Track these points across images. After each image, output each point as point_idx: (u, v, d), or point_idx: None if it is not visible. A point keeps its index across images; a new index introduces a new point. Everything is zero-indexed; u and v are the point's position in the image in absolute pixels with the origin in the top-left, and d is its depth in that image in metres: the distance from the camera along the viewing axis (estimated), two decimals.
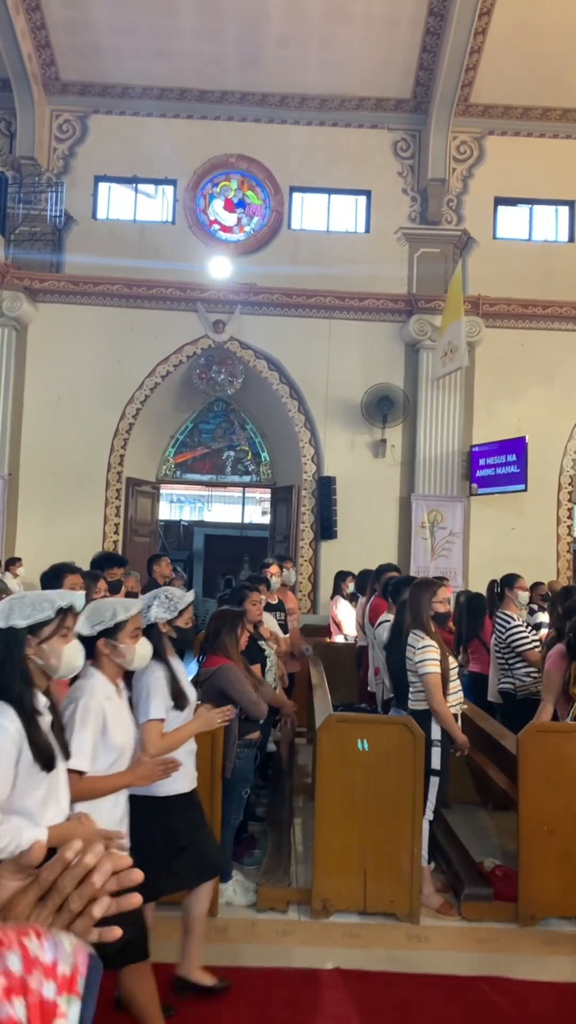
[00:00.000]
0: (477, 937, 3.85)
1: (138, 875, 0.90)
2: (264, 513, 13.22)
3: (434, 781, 4.10)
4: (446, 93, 10.74)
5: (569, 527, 11.03)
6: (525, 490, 10.12)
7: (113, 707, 2.70)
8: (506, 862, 4.23)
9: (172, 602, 3.34)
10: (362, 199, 11.52)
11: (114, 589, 5.37)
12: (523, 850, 3.98)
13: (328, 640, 8.36)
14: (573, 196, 11.50)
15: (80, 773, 2.48)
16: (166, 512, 14.79)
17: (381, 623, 5.39)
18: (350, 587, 8.58)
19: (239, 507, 15.03)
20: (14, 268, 10.48)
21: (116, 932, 0.86)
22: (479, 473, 10.56)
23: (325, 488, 10.71)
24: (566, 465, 10.96)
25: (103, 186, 11.46)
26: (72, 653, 2.32)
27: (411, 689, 4.22)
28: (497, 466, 10.34)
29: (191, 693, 3.30)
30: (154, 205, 11.52)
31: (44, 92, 11.14)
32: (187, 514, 16.75)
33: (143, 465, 11.34)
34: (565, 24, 10.06)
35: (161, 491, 12.24)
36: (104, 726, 2.62)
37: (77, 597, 2.39)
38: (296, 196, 11.57)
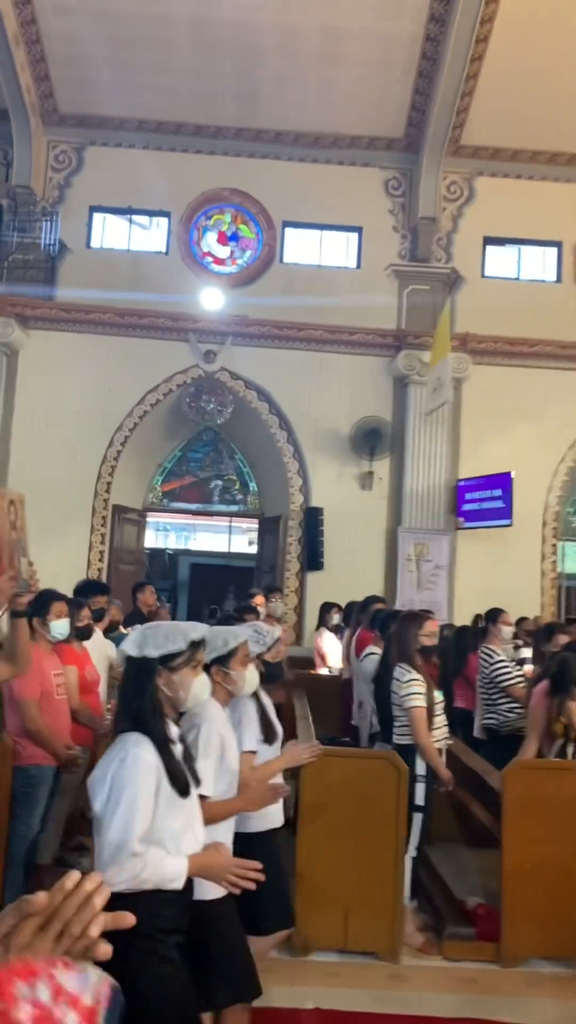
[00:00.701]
0: (459, 977, 3.81)
1: (130, 918, 0.93)
2: (251, 543, 13.21)
3: (417, 817, 4.07)
4: (437, 134, 10.95)
5: (554, 563, 11.09)
6: (510, 525, 10.18)
7: (228, 733, 2.74)
8: (489, 901, 4.19)
9: (262, 636, 3.36)
10: (353, 235, 11.68)
11: (97, 617, 5.35)
12: (506, 889, 3.94)
13: (312, 672, 8.32)
14: (561, 237, 11.69)
15: (204, 799, 2.48)
16: (152, 540, 14.72)
17: (367, 655, 5.39)
18: (335, 619, 8.57)
19: (226, 536, 15.00)
20: (7, 295, 10.53)
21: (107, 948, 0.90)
22: (465, 507, 10.62)
23: (312, 519, 10.73)
24: (551, 501, 11.04)
25: (98, 216, 11.56)
26: (200, 686, 2.34)
27: (396, 723, 4.20)
28: (483, 500, 10.40)
29: (279, 727, 3.29)
30: (148, 236, 11.63)
31: (42, 123, 11.27)
32: (173, 543, 16.68)
33: (130, 493, 11.33)
34: (555, 70, 10.30)
35: (147, 519, 12.21)
36: (222, 752, 2.64)
37: (208, 631, 2.46)
38: (289, 231, 11.71)
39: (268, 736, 3.14)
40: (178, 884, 2.17)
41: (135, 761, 2.14)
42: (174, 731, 2.31)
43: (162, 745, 2.21)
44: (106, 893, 0.91)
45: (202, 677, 2.37)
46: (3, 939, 0.90)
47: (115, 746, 2.22)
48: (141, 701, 2.24)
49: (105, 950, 0.90)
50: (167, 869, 2.12)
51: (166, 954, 2.17)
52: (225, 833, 2.67)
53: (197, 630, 2.36)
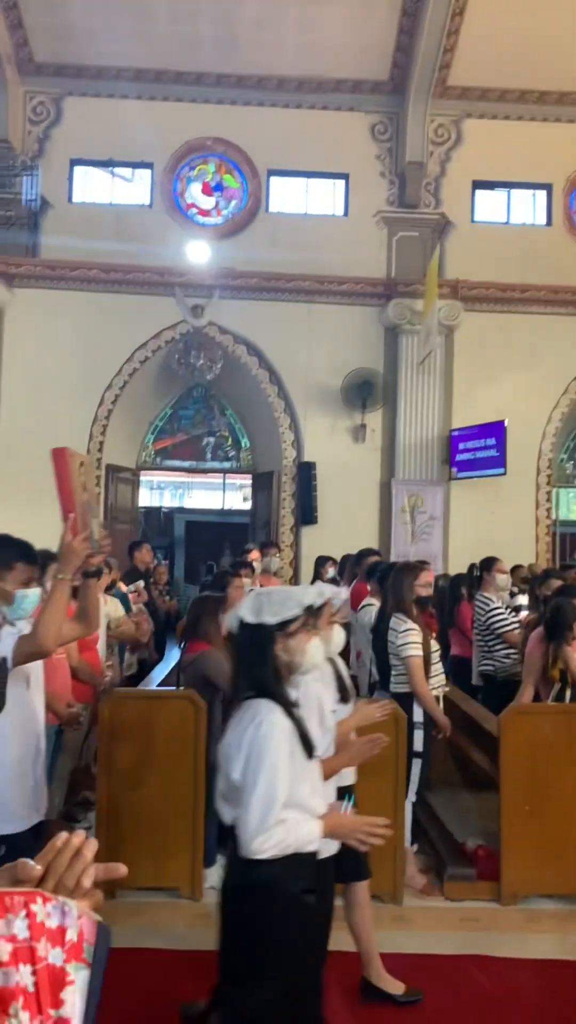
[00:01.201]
0: (460, 916, 3.90)
1: (122, 868, 0.96)
2: (245, 499, 13.19)
3: (416, 763, 4.13)
4: (423, 75, 10.67)
5: (548, 510, 11.11)
6: (504, 474, 10.17)
7: (323, 692, 2.76)
8: (488, 842, 4.27)
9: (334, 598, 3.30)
10: (340, 182, 11.46)
11: (94, 575, 5.34)
12: (504, 830, 4.02)
13: None
14: (551, 179, 11.48)
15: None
16: (146, 499, 14.70)
17: (364, 607, 5.41)
18: (330, 572, 8.60)
19: (220, 493, 14.98)
20: None
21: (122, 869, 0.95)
22: (459, 457, 10.60)
23: (305, 474, 10.71)
24: (545, 449, 11.02)
25: (79, 169, 11.30)
26: (315, 649, 2.34)
27: (393, 672, 4.24)
28: (476, 450, 10.38)
29: (352, 687, 3.31)
30: (131, 188, 11.38)
31: (18, 73, 10.95)
32: (167, 501, 16.66)
33: (122, 452, 11.27)
34: (543, 7, 10.01)
35: (141, 478, 12.17)
36: (320, 711, 2.66)
37: (320, 595, 2.49)
38: (274, 179, 11.48)
39: (344, 696, 3.15)
40: (315, 846, 2.21)
41: (271, 727, 2.15)
42: (294, 694, 2.33)
43: (289, 710, 2.23)
44: (94, 845, 0.93)
45: (316, 641, 2.37)
46: None
47: (245, 713, 2.23)
48: (264, 668, 2.25)
49: (97, 900, 0.91)
50: (304, 832, 2.16)
51: (305, 916, 2.22)
52: (331, 791, 2.71)
53: (309, 596, 2.37)
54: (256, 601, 2.33)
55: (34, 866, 0.91)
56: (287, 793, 2.14)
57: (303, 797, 2.21)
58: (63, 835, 0.94)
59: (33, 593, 2.80)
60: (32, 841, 2.73)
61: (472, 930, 3.77)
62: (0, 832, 2.64)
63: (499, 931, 3.76)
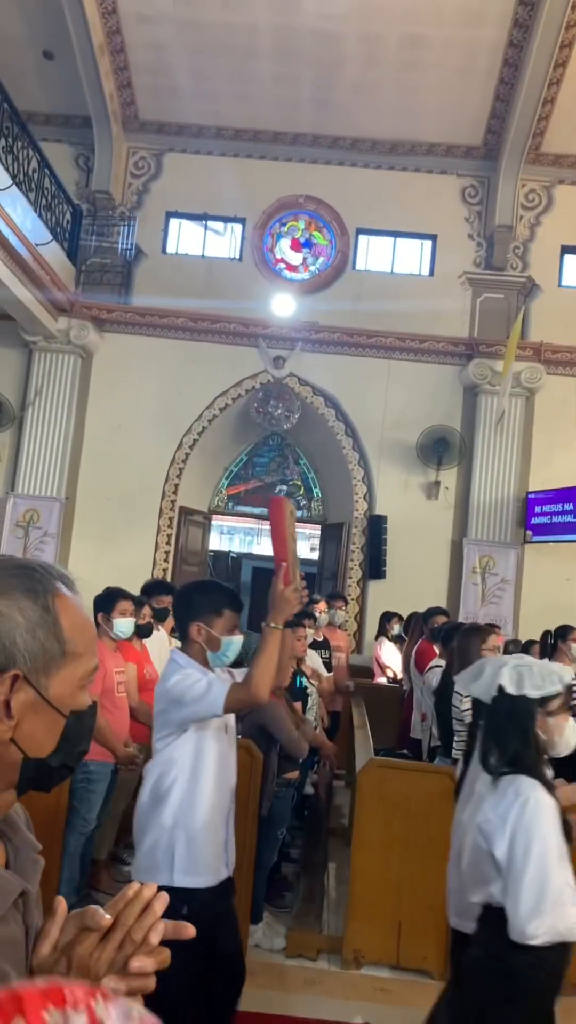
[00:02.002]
0: None
1: (190, 929, 0.93)
2: (313, 549, 13.19)
3: None
4: (517, 141, 10.79)
5: None
6: None
7: None
8: None
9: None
10: (427, 243, 11.59)
11: (161, 616, 5.40)
12: None
13: (371, 681, 8.26)
14: None
15: None
16: (216, 543, 14.85)
17: (432, 668, 5.31)
18: (395, 628, 8.49)
19: None
20: (83, 298, 10.76)
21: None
22: (534, 520, 10.40)
23: (376, 527, 10.65)
24: None
25: (174, 222, 11.73)
26: (571, 731, 2.31)
27: (456, 737, 4.12)
28: (553, 514, 10.17)
29: None
30: (222, 242, 11.74)
31: (123, 130, 11.49)
32: (236, 546, 16.80)
33: (196, 495, 11.44)
34: None
35: (212, 522, 12.30)
36: None
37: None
38: (362, 238, 11.68)
39: None
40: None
41: (539, 806, 2.10)
42: (548, 774, 2.27)
43: (549, 789, 2.17)
44: (165, 899, 0.91)
45: (571, 722, 2.31)
46: (65, 948, 0.90)
47: (505, 789, 2.17)
48: (524, 744, 2.20)
49: (164, 957, 0.89)
50: (572, 919, 2.08)
51: (550, 1005, 2.18)
52: None
53: (568, 673, 2.32)
54: (516, 672, 2.26)
55: (104, 915, 0.89)
56: (559, 875, 2.07)
57: (567, 879, 2.13)
58: (135, 885, 0.92)
59: (238, 640, 2.80)
60: (218, 897, 2.69)
61: None
62: (188, 885, 2.58)
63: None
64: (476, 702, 2.51)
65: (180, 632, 2.82)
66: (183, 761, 2.64)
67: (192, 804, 2.63)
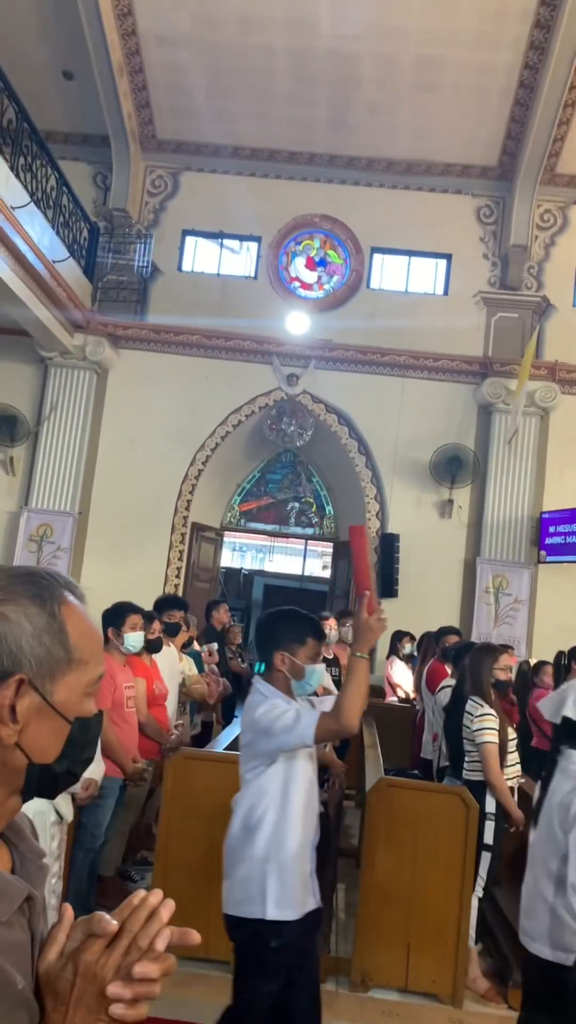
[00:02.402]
0: None
1: (196, 935, 0.91)
2: (325, 567, 13.16)
3: (486, 856, 3.93)
4: (532, 162, 10.83)
5: None
6: None
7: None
8: None
9: None
10: (442, 262, 11.62)
11: (172, 631, 5.39)
12: None
13: (382, 701, 8.20)
14: None
15: None
16: (228, 559, 14.85)
17: (443, 688, 5.27)
18: (407, 648, 8.44)
19: (300, 559, 15.01)
20: (99, 316, 10.85)
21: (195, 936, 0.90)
22: (548, 540, 10.34)
23: (388, 545, 10.62)
24: None
25: (190, 240, 11.82)
26: None
27: (467, 758, 4.08)
28: (568, 534, 10.10)
29: None
30: (238, 260, 11.81)
31: (140, 149, 11.61)
32: (248, 563, 16.79)
33: (209, 511, 11.45)
34: None
35: (224, 538, 12.31)
36: None
37: None
38: (377, 257, 11.73)
39: None
40: None
41: None
42: None
43: None
44: (171, 906, 0.91)
45: None
46: (71, 955, 0.90)
47: None
48: None
49: (170, 964, 0.88)
50: None
51: None
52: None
53: None
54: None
55: (110, 921, 0.89)
56: None
57: None
58: (140, 892, 0.92)
59: (320, 668, 2.82)
60: (306, 929, 2.69)
61: None
62: (279, 918, 2.58)
63: None
64: (555, 727, 2.55)
65: (263, 661, 2.83)
66: (273, 792, 2.65)
67: (283, 835, 2.63)
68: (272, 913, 2.56)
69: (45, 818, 2.86)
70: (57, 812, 2.92)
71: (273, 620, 2.89)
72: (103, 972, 0.86)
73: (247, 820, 2.66)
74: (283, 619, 2.88)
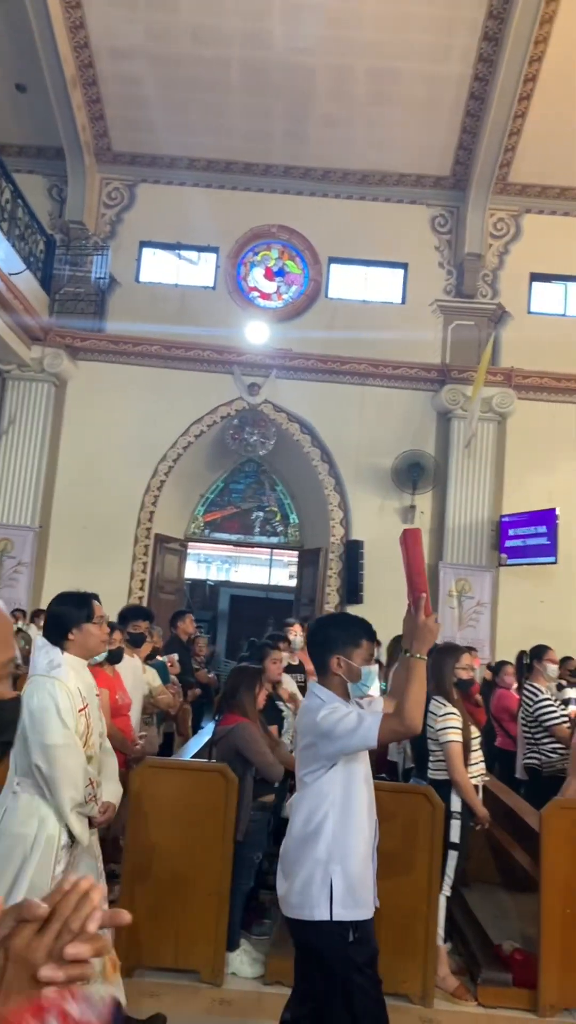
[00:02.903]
0: None
1: (127, 916, 0.92)
2: (291, 576, 13.18)
3: (452, 855, 3.95)
4: (485, 172, 11.02)
5: None
6: (555, 562, 10.01)
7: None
8: (526, 946, 4.04)
9: None
10: (399, 271, 11.75)
11: (136, 642, 5.35)
12: (544, 934, 3.80)
13: None
14: None
15: None
16: (193, 571, 14.79)
17: None
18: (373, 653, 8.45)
19: (266, 569, 15.00)
20: (57, 327, 10.78)
21: (125, 916, 0.91)
22: (508, 543, 10.47)
23: (353, 552, 10.68)
24: None
25: (147, 251, 11.82)
26: None
27: (431, 758, 4.11)
28: (527, 537, 10.25)
29: None
30: (196, 271, 11.84)
31: (96, 161, 11.60)
32: (213, 574, 16.74)
33: (172, 522, 11.41)
34: None
35: (189, 550, 12.27)
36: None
37: None
38: (335, 267, 11.83)
39: None
40: None
41: None
42: None
43: None
44: (102, 890, 0.92)
45: None
46: (2, 941, 0.89)
47: None
48: None
49: (101, 945, 0.89)
50: None
51: None
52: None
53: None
54: None
55: (40, 905, 0.90)
56: None
57: None
58: (71, 877, 0.93)
59: (375, 669, 2.83)
60: (372, 929, 2.70)
61: None
62: (347, 919, 2.58)
63: None
64: None
65: (318, 666, 2.83)
66: (334, 794, 2.65)
67: (345, 837, 2.64)
68: (339, 914, 2.58)
69: (54, 842, 2.83)
70: (70, 835, 2.89)
71: (326, 625, 2.93)
72: (34, 956, 0.86)
73: (307, 823, 2.67)
74: (335, 624, 2.93)
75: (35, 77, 10.46)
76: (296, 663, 6.72)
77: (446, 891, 3.95)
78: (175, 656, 6.90)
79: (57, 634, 3.12)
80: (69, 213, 11.45)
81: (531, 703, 5.63)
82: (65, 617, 3.15)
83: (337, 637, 2.80)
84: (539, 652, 5.94)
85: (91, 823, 3.02)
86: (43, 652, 3.08)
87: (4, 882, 2.73)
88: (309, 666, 7.11)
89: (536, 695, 5.63)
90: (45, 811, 2.84)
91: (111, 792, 3.18)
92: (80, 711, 2.98)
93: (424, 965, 3.78)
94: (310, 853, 2.63)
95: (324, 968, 2.64)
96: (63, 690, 2.94)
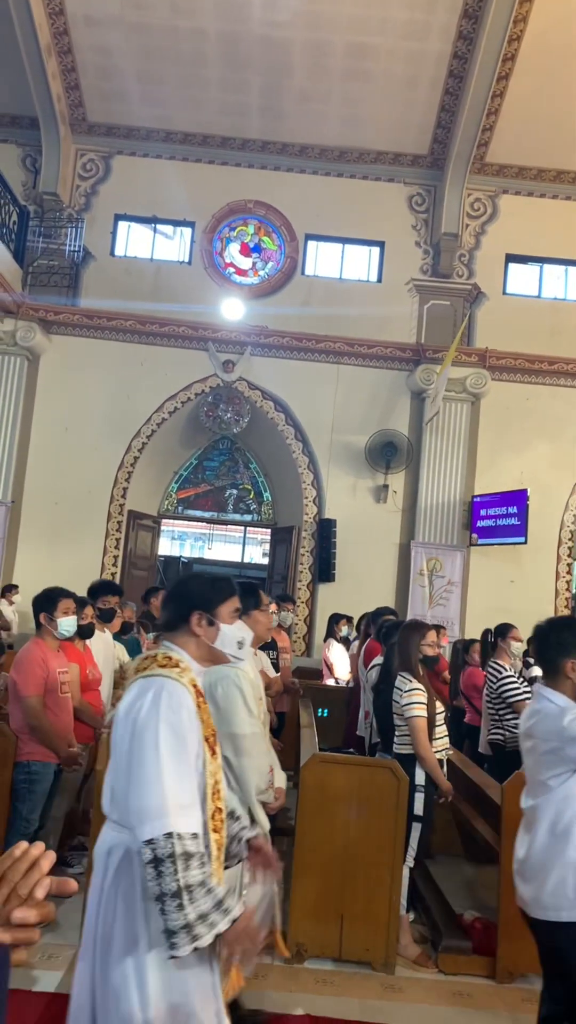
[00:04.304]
0: (453, 991, 3.77)
1: (74, 884, 0.96)
2: (264, 554, 13.22)
3: (416, 827, 4.04)
4: (462, 151, 11.00)
5: (568, 582, 11.01)
6: (525, 543, 10.12)
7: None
8: (487, 916, 4.15)
9: None
10: (376, 249, 11.73)
11: (106, 617, 5.37)
12: (504, 903, 3.90)
13: (320, 683, 8.30)
14: None
15: None
16: (166, 548, 14.79)
17: (374, 666, 5.37)
18: (343, 630, 8.55)
19: (239, 546, 15.04)
20: (30, 300, 10.66)
21: (72, 884, 0.94)
22: (479, 523, 10.58)
23: (325, 530, 10.73)
24: (567, 520, 10.97)
25: (122, 224, 11.69)
26: None
27: (396, 732, 4.18)
28: (498, 517, 10.36)
29: None
30: (171, 245, 11.74)
31: (71, 132, 11.43)
32: (187, 551, 16.75)
33: (146, 499, 11.39)
34: None
35: (162, 526, 12.26)
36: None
37: None
38: (311, 244, 11.78)
39: None
40: None
41: None
42: None
43: None
44: (52, 857, 0.95)
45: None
46: None
47: None
48: None
49: (47, 912, 0.92)
50: None
51: None
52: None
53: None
54: None
55: None
56: None
57: None
58: (23, 844, 0.96)
59: None
60: None
61: (464, 1006, 3.64)
62: (569, 919, 2.60)
63: (492, 1009, 3.63)
64: None
65: (549, 670, 2.81)
66: None
67: None
68: None
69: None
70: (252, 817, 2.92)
71: (559, 628, 2.87)
72: None
73: (554, 826, 2.68)
74: (567, 627, 2.87)
75: (9, 44, 10.25)
76: (269, 640, 6.77)
77: (409, 862, 4.05)
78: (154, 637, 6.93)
79: None
80: (43, 184, 11.28)
81: (495, 680, 5.73)
82: None
83: (570, 642, 2.78)
84: (503, 631, 6.04)
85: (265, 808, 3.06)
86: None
87: None
88: (281, 643, 7.18)
89: (500, 672, 5.73)
90: (234, 803, 2.87)
91: (280, 778, 3.25)
92: (259, 699, 3.02)
93: (387, 934, 3.87)
94: (559, 856, 2.65)
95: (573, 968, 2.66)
96: (246, 679, 2.97)
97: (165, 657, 2.10)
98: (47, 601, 4.31)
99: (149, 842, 1.78)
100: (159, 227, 11.67)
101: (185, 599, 2.22)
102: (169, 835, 1.78)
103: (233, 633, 2.23)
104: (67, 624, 4.36)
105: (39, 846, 0.95)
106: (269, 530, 12.12)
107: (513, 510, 10.20)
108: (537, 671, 7.32)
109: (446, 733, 4.27)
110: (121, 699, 2.07)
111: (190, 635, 2.19)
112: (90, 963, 1.93)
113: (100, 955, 1.90)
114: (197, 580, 2.32)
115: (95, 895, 1.97)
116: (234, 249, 11.81)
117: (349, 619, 8.51)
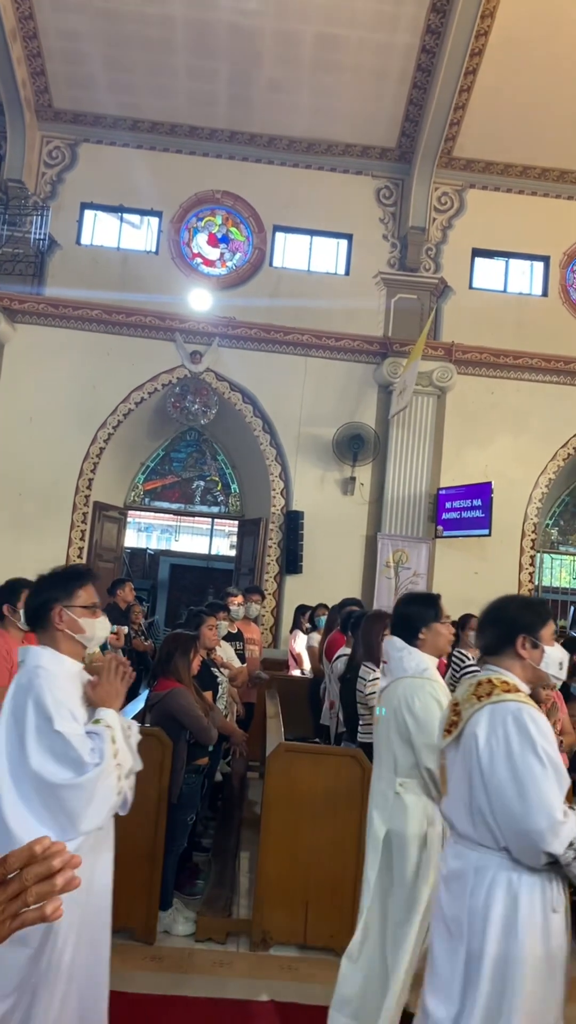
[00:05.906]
0: (418, 976, 3.82)
1: (77, 880, 0.93)
2: (232, 546, 13.22)
3: None
4: (430, 145, 11.04)
5: (531, 574, 11.16)
6: (489, 535, 10.24)
7: None
8: None
9: None
10: (343, 242, 11.75)
11: None
12: None
13: (286, 673, 8.34)
14: (548, 252, 11.80)
15: None
16: (133, 539, 14.72)
17: (339, 657, 5.41)
18: (321, 619, 8.60)
19: (207, 538, 15.01)
20: None
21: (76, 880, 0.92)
22: (445, 516, 10.68)
23: (293, 523, 10.76)
24: (530, 513, 11.12)
25: (88, 213, 11.58)
26: None
27: (360, 722, 4.23)
28: (463, 510, 10.46)
29: None
30: (138, 235, 11.65)
31: (36, 118, 11.28)
32: (154, 543, 16.67)
33: (112, 490, 11.32)
34: (547, 86, 10.44)
35: (128, 518, 12.20)
36: None
37: None
38: (279, 235, 11.77)
39: None
40: None
41: None
42: None
43: None
44: (69, 876, 0.93)
45: None
46: None
47: None
48: None
49: (56, 908, 0.91)
50: None
51: None
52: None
53: None
54: None
55: (11, 863, 0.92)
56: None
57: None
58: (45, 840, 0.93)
59: None
60: None
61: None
62: None
63: None
64: None
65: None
66: None
67: None
68: None
69: (438, 840, 3.00)
70: None
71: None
72: None
73: None
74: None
75: None
76: (235, 631, 6.80)
77: None
78: (124, 629, 6.94)
79: (408, 634, 3.14)
80: (8, 172, 11.12)
81: (458, 668, 5.83)
82: (415, 617, 3.17)
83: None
84: (464, 621, 6.17)
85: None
86: (407, 654, 3.13)
87: (404, 882, 2.93)
88: (248, 635, 7.21)
89: (463, 660, 5.83)
90: (432, 811, 2.94)
91: None
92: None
93: (351, 920, 3.92)
94: None
95: None
96: (442, 691, 3.00)
97: (503, 682, 2.20)
98: (10, 592, 4.28)
99: (571, 845, 2.04)
100: (126, 216, 11.58)
101: (509, 623, 2.28)
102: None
103: (555, 655, 2.32)
104: None
105: (63, 858, 0.92)
106: (236, 522, 12.12)
107: (478, 503, 10.30)
108: None
109: None
110: (465, 725, 2.25)
111: (515, 658, 2.26)
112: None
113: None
114: (516, 603, 2.39)
115: (456, 911, 2.18)
116: (202, 239, 11.76)
117: (325, 606, 8.55)
